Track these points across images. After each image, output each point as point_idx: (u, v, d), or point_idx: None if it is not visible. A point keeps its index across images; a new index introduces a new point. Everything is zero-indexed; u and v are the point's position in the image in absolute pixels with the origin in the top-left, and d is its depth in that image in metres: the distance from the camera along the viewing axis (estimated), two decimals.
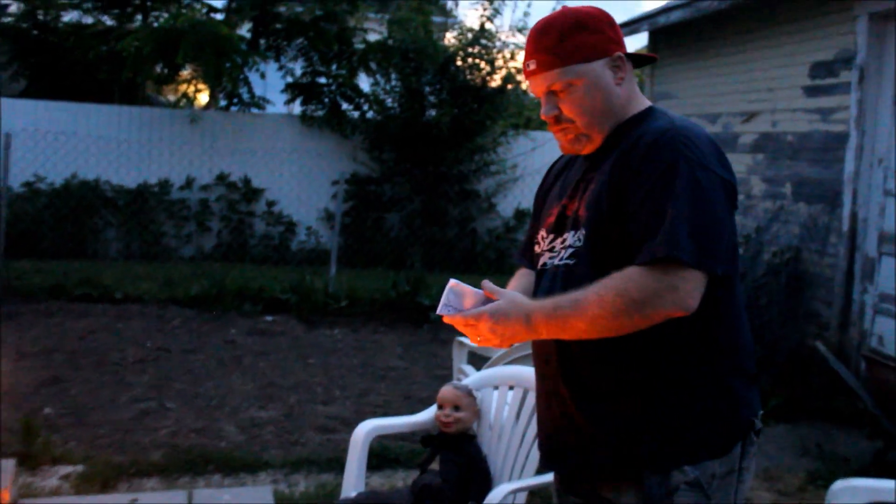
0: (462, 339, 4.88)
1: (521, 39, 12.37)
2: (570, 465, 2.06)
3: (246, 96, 12.41)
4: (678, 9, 8.34)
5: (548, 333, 1.91)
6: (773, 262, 6.93)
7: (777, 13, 7.29)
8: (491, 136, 12.15)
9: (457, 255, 11.73)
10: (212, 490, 4.29)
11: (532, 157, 12.25)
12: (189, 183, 11.57)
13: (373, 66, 12.09)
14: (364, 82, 12.48)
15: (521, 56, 12.18)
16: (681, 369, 1.93)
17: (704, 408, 1.94)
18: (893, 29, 6.17)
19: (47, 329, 7.35)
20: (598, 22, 2.03)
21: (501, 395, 3.42)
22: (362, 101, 12.17)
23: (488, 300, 1.96)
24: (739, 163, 7.69)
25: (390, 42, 11.95)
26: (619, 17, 9.84)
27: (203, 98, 13.89)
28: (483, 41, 11.95)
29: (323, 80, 12.42)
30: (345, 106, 12.24)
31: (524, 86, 12.47)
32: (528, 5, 18.23)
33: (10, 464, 3.88)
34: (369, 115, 12.16)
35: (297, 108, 12.81)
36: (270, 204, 11.82)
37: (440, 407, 3.32)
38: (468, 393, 3.34)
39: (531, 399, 3.24)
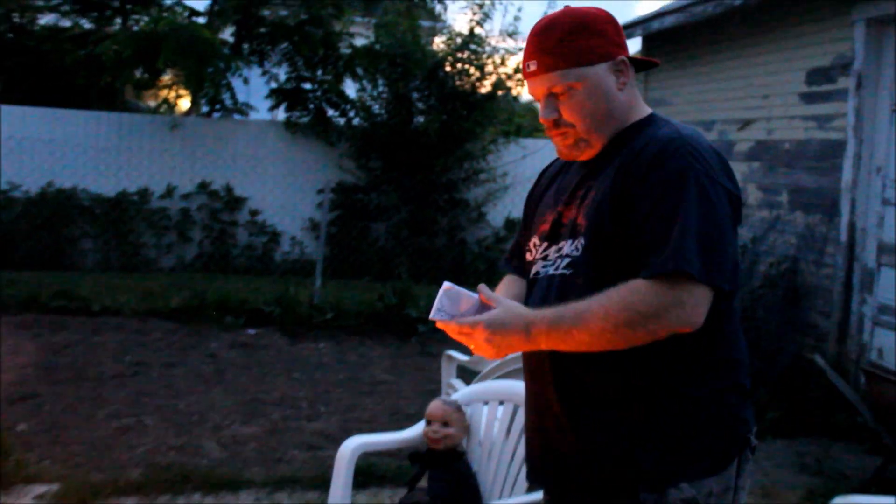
0: (451, 352, 4.88)
1: (512, 44, 12.42)
2: (561, 483, 2.05)
3: (228, 102, 12.39)
4: (672, 13, 8.39)
5: (547, 345, 1.90)
6: (769, 272, 6.96)
7: (773, 18, 7.33)
8: (480, 143, 12.17)
9: (445, 265, 11.73)
10: None
11: (523, 164, 12.27)
12: (169, 191, 11.55)
13: (359, 71, 12.10)
14: (350, 88, 12.48)
15: (511, 61, 12.24)
16: (678, 384, 1.92)
17: (701, 424, 1.93)
18: (891, 34, 6.22)
19: (21, 343, 7.31)
20: (602, 24, 2.02)
21: (491, 411, 3.42)
22: (348, 107, 12.17)
23: (484, 306, 1.93)
24: (735, 171, 7.71)
25: (377, 47, 11.96)
26: None
27: (184, 104, 13.87)
28: (472, 46, 11.98)
29: (308, 85, 12.41)
30: (330, 112, 12.24)
31: (514, 92, 12.52)
32: (519, 9, 18.34)
33: None
34: (356, 121, 12.17)
35: (281, 114, 12.80)
36: (254, 213, 11.80)
37: (428, 423, 3.32)
38: (457, 408, 3.34)
39: (522, 415, 3.24)
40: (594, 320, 1.83)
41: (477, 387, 3.63)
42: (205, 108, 12.93)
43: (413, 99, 11.95)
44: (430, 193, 11.98)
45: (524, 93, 14.52)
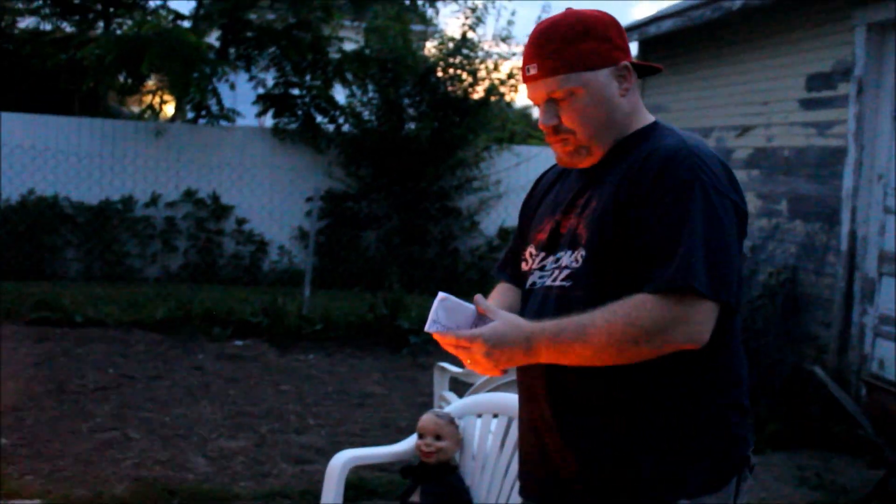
0: (444, 364, 4.89)
1: (505, 49, 12.47)
2: (554, 498, 2.04)
3: (215, 108, 12.40)
4: (669, 17, 8.43)
5: (548, 358, 1.88)
6: (768, 282, 6.99)
7: (772, 23, 7.38)
8: (473, 150, 12.20)
9: (437, 275, 11.73)
10: None
11: (516, 172, 12.30)
12: (154, 199, 11.54)
13: (349, 76, 12.12)
14: (339, 94, 12.50)
15: (504, 66, 12.28)
16: (678, 398, 1.92)
17: (700, 442, 1.93)
18: (893, 39, 6.27)
19: (1, 355, 7.29)
20: (605, 28, 2.00)
21: (485, 424, 3.43)
22: (338, 113, 12.19)
23: (481, 318, 1.91)
24: None
25: (367, 51, 11.99)
26: None
27: (169, 110, 13.87)
28: (465, 51, 12.02)
29: (296, 91, 12.43)
30: (319, 118, 12.26)
31: (508, 98, 12.57)
32: (513, 13, 18.34)
33: None
34: (345, 128, 12.19)
35: (268, 120, 12.80)
36: (241, 222, 11.80)
37: (420, 436, 3.33)
38: (450, 421, 3.35)
39: (516, 428, 3.25)
40: (597, 335, 1.82)
41: (470, 399, 3.63)
42: (190, 115, 12.94)
43: (404, 105, 11.97)
44: (422, 201, 11.99)
45: (518, 99, 14.55)
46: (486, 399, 3.55)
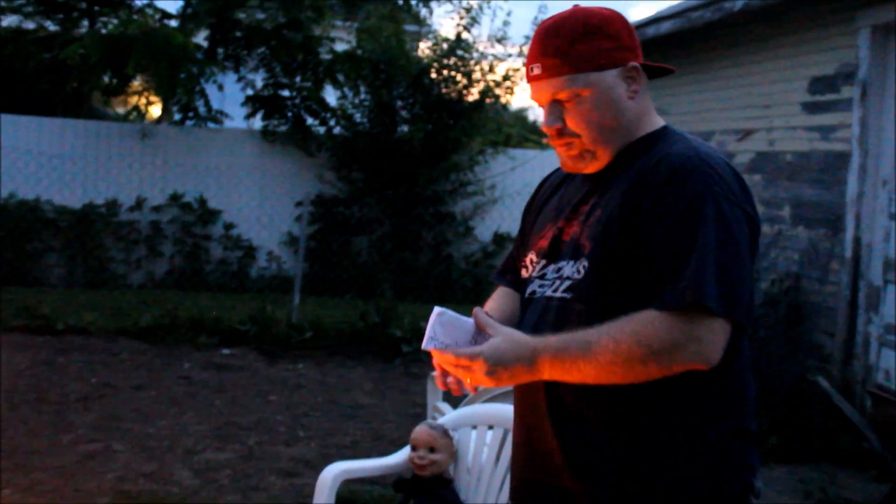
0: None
1: (500, 50, 12.50)
2: None
3: (202, 110, 12.39)
4: (669, 19, 8.45)
5: (551, 375, 1.84)
6: (771, 290, 6.99)
7: (774, 25, 7.40)
8: (468, 154, 12.21)
9: (431, 282, 11.74)
10: None
11: (512, 176, 12.32)
12: (139, 203, 11.53)
13: (340, 77, 12.13)
14: (331, 95, 12.51)
15: (500, 68, 12.30)
16: (682, 414, 1.88)
17: (702, 464, 1.89)
18: None
19: None
20: (614, 26, 1.96)
21: (480, 436, 3.42)
22: (329, 115, 12.19)
23: (480, 332, 1.88)
24: None
25: (359, 52, 12.00)
26: None
27: (155, 111, 13.86)
28: (459, 52, 12.04)
29: (286, 92, 12.44)
30: (310, 121, 12.27)
31: (503, 100, 12.57)
32: (508, 14, 18.41)
33: None
34: (336, 130, 12.19)
35: (257, 122, 12.80)
36: (228, 227, 11.79)
37: (414, 448, 3.32)
38: (444, 433, 3.34)
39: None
40: (603, 353, 1.78)
41: (465, 410, 3.63)
42: (177, 116, 12.93)
43: (397, 107, 11.98)
44: (415, 206, 12.00)
45: (513, 101, 14.53)
46: (481, 410, 3.55)
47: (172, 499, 4.74)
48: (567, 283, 1.94)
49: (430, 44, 12.77)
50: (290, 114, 12.26)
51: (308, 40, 12.26)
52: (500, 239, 12.29)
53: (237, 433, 5.96)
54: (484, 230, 12.42)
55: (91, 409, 6.29)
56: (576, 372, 1.81)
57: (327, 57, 12.35)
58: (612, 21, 1.97)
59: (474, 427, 3.45)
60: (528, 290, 2.04)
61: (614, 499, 1.90)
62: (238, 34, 12.54)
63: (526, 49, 12.39)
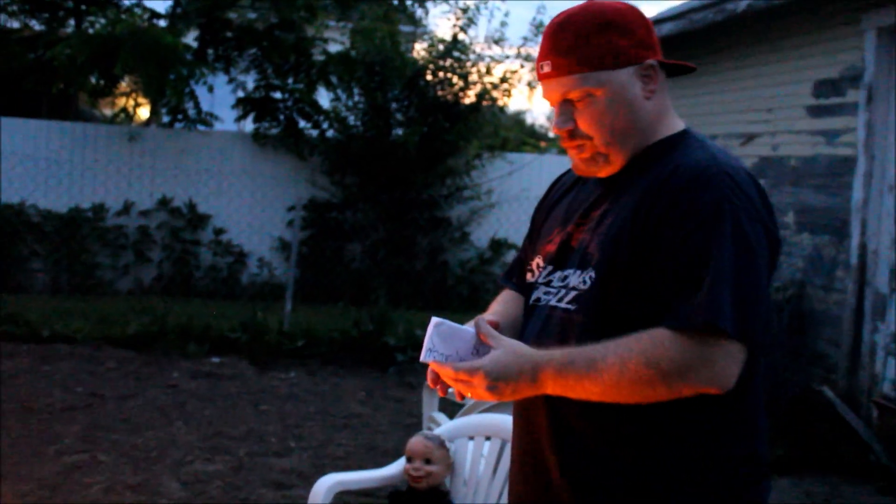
0: None
1: (498, 51, 12.51)
2: None
3: (192, 112, 12.39)
4: (671, 20, 8.47)
5: (553, 390, 1.80)
6: (774, 298, 7.00)
7: (778, 27, 7.42)
8: (464, 157, 12.22)
9: (426, 289, 11.74)
10: None
11: (509, 181, 12.33)
12: (127, 208, 11.51)
13: (333, 79, 12.13)
14: (324, 98, 12.51)
15: (497, 70, 12.31)
16: (691, 433, 1.83)
17: (707, 493, 1.84)
18: None
19: None
20: (629, 21, 1.90)
21: (477, 447, 3.43)
22: (322, 118, 12.19)
23: (481, 343, 1.84)
24: None
25: (353, 53, 12.01)
26: None
27: (143, 113, 13.86)
28: (456, 53, 12.05)
29: (278, 94, 12.43)
30: (302, 124, 12.26)
31: (501, 103, 12.59)
32: (506, 14, 18.38)
33: None
34: (329, 133, 12.19)
35: (248, 125, 12.80)
36: (218, 232, 11.78)
37: (409, 459, 3.33)
38: (440, 444, 3.34)
39: (510, 451, 3.25)
40: (608, 372, 1.74)
41: (461, 421, 3.63)
42: (166, 119, 12.93)
43: (391, 110, 11.98)
44: (410, 212, 12.00)
45: (511, 104, 14.53)
46: (478, 421, 3.55)
47: None
48: (572, 293, 1.90)
49: (425, 45, 12.78)
50: (281, 116, 12.26)
51: (300, 41, 12.27)
52: (496, 245, 12.29)
53: (227, 444, 5.95)
54: (481, 236, 12.42)
55: (77, 419, 6.28)
56: (580, 389, 1.77)
57: (320, 58, 12.35)
58: (627, 15, 1.90)
59: (471, 438, 3.45)
60: (533, 297, 2.01)
61: None
62: (228, 34, 12.54)
63: (524, 51, 12.45)
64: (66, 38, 11.72)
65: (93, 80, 12.42)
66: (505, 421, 3.33)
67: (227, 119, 13.15)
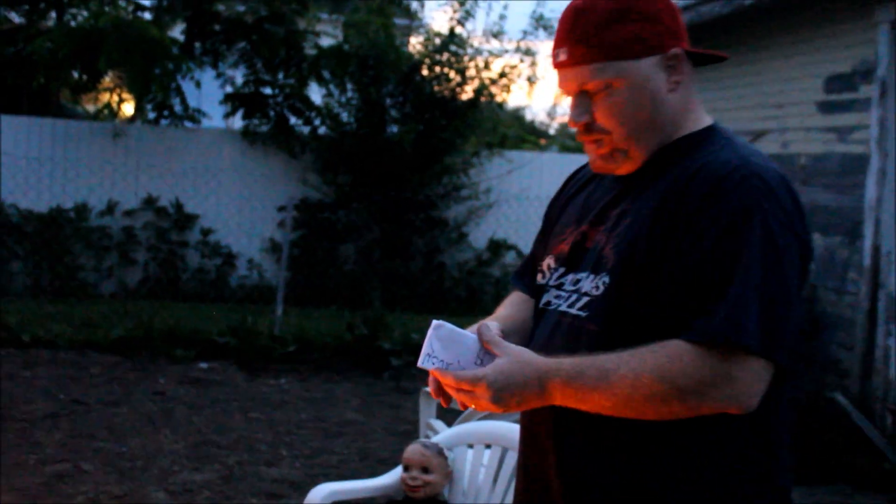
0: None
1: (496, 46, 12.52)
2: None
3: (178, 108, 12.40)
4: None
5: (562, 402, 1.73)
6: None
7: (788, 20, 7.43)
8: (461, 155, 12.23)
9: (422, 292, 11.74)
10: None
11: (508, 180, 12.32)
12: (111, 208, 11.50)
13: (326, 74, 12.14)
14: (315, 93, 12.52)
15: (496, 65, 12.32)
16: (701, 465, 1.75)
17: None
18: None
19: None
20: (653, 6, 1.82)
21: (477, 455, 3.42)
22: (313, 114, 12.20)
23: (485, 351, 1.76)
24: None
25: (346, 47, 12.02)
26: None
27: (128, 109, 13.85)
28: (453, 47, 12.06)
29: (268, 90, 12.44)
30: (293, 120, 12.27)
31: (499, 98, 12.60)
32: (505, 7, 18.43)
33: None
34: (322, 130, 12.20)
35: (237, 122, 12.80)
36: (206, 233, 11.77)
37: (406, 468, 3.32)
38: (438, 452, 3.34)
39: (511, 460, 3.25)
40: (620, 385, 1.67)
41: (460, 428, 3.63)
42: (151, 115, 12.93)
43: (386, 106, 11.99)
44: (405, 211, 12.00)
45: (510, 100, 14.53)
46: (477, 428, 3.55)
47: None
48: (584, 299, 1.82)
49: (421, 39, 12.80)
50: (272, 113, 12.26)
51: (291, 34, 12.27)
52: (495, 246, 12.30)
53: (216, 452, 5.94)
54: (479, 237, 12.42)
55: (59, 427, 6.26)
56: (590, 402, 1.71)
57: (312, 52, 12.35)
58: (651, 0, 1.82)
59: (471, 446, 3.45)
60: (543, 300, 1.94)
61: None
62: (216, 27, 12.54)
63: (524, 45, 12.46)
64: (48, 31, 11.73)
65: (75, 74, 12.41)
66: (505, 428, 3.33)
67: (215, 116, 13.15)
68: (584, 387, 1.69)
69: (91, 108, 15.55)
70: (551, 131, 25.31)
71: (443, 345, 1.75)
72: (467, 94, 12.12)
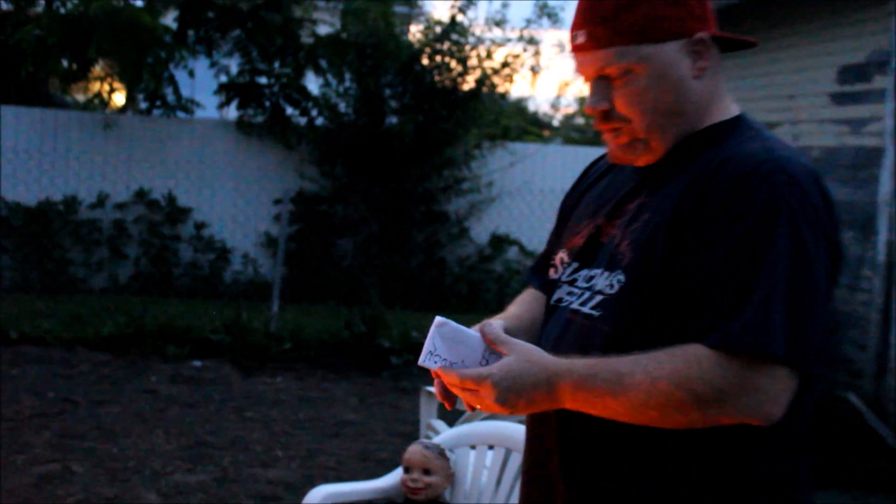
0: (431, 388, 4.88)
1: (499, 34, 12.50)
2: None
3: (171, 98, 12.39)
4: None
5: (573, 405, 1.68)
6: None
7: (800, 9, 7.42)
8: (462, 147, 12.21)
9: (422, 288, 11.74)
10: None
11: (511, 173, 12.32)
12: (101, 201, 11.50)
13: (323, 63, 12.13)
14: (312, 83, 12.51)
15: (498, 54, 12.30)
16: (711, 480, 1.70)
17: None
18: None
19: None
20: None
21: (479, 457, 3.43)
22: (310, 105, 12.20)
23: (491, 350, 1.72)
24: None
25: (344, 36, 12.01)
26: None
27: (119, 99, 13.84)
28: (454, 36, 12.05)
29: (263, 79, 12.43)
30: (289, 111, 12.26)
31: (502, 89, 12.59)
32: None
33: None
34: (319, 121, 12.20)
35: (232, 112, 12.79)
36: (199, 226, 11.77)
37: (406, 470, 3.32)
38: (440, 453, 3.34)
39: (514, 461, 3.25)
40: (635, 391, 1.61)
41: (462, 429, 3.62)
42: (143, 105, 12.93)
43: (385, 96, 11.99)
44: (405, 205, 12.00)
45: (513, 90, 14.48)
46: (480, 428, 3.55)
47: None
48: (598, 298, 1.77)
49: (421, 27, 12.78)
50: (267, 103, 12.25)
51: (288, 22, 12.26)
52: (497, 241, 12.29)
53: (210, 453, 5.94)
54: (480, 231, 12.42)
55: (48, 427, 6.27)
56: (602, 407, 1.66)
57: (309, 41, 12.34)
58: None
59: (473, 447, 3.45)
60: (555, 296, 1.89)
61: None
62: (211, 15, 12.51)
63: (527, 34, 12.44)
64: (36, 18, 11.71)
65: (64, 63, 12.39)
66: (509, 429, 3.33)
67: (209, 106, 13.14)
68: (595, 391, 1.64)
69: (81, 97, 15.53)
70: (555, 123, 25.27)
71: (446, 343, 1.72)
72: (469, 84, 12.10)
